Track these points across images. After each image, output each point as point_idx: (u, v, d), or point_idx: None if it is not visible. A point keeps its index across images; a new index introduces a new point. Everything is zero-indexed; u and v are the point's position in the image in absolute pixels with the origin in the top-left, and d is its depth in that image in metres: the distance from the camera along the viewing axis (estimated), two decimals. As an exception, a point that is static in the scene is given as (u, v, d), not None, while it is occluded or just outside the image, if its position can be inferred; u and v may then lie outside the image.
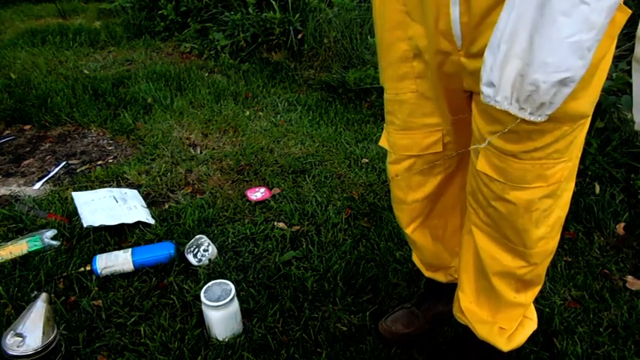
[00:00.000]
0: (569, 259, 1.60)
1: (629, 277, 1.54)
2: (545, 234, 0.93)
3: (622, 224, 1.76)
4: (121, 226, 1.68)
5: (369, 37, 3.07)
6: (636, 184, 1.90)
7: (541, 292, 1.47)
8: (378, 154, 2.23)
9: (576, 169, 0.92)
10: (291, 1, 3.32)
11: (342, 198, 1.92)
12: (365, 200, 1.91)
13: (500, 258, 0.98)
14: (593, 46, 0.60)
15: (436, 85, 0.93)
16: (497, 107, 0.68)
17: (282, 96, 2.89)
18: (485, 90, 0.69)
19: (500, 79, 0.66)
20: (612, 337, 1.33)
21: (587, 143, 1.97)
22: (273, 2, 3.32)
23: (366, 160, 2.19)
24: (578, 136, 0.83)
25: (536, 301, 1.20)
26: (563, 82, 0.62)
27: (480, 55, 0.74)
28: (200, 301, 1.28)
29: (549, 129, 0.79)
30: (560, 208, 0.92)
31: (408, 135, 1.01)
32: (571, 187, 0.92)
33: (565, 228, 1.73)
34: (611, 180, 1.95)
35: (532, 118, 0.67)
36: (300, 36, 3.27)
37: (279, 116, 2.63)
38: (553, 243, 0.97)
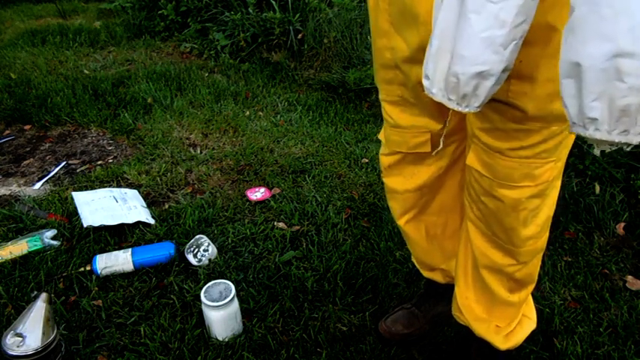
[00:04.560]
0: (569, 259, 1.60)
1: (629, 277, 1.54)
2: (535, 234, 0.93)
3: (622, 224, 1.76)
4: (121, 226, 1.68)
5: (369, 37, 3.06)
6: (636, 184, 1.90)
7: (541, 292, 1.47)
8: (378, 153, 2.22)
9: (563, 168, 0.92)
10: (291, 1, 3.32)
11: (342, 198, 1.92)
12: (365, 200, 1.91)
13: (491, 255, 0.99)
14: (509, 43, 0.63)
15: (421, 93, 0.94)
16: (434, 99, 0.71)
17: (282, 96, 2.89)
18: (424, 82, 0.72)
19: (434, 72, 0.70)
20: (612, 337, 1.33)
21: (588, 144, 1.97)
22: (273, 2, 3.32)
23: (366, 160, 2.19)
24: (569, 136, 0.83)
25: (536, 301, 1.21)
26: (481, 75, 0.65)
27: None
28: (200, 301, 1.28)
29: (536, 128, 0.79)
30: (549, 208, 0.93)
31: (399, 132, 1.03)
32: (558, 185, 0.93)
33: (565, 228, 1.73)
34: (611, 180, 1.95)
35: (459, 109, 0.70)
36: (300, 36, 3.27)
37: (279, 116, 2.63)
38: (542, 241, 0.97)
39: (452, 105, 0.70)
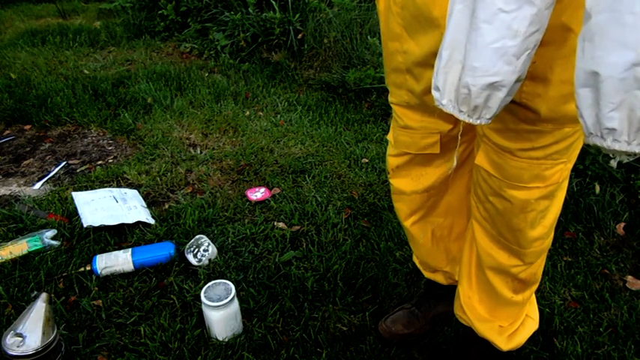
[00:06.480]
0: (569, 259, 1.60)
1: (629, 277, 1.54)
2: (542, 235, 0.93)
3: (622, 224, 1.76)
4: (121, 226, 1.68)
5: (369, 37, 3.07)
6: (636, 184, 1.90)
7: (541, 292, 1.47)
8: (378, 154, 2.22)
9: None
10: (291, 1, 3.32)
11: (342, 198, 1.92)
12: (365, 200, 1.91)
13: (496, 255, 0.99)
14: (521, 54, 0.62)
15: (426, 101, 0.94)
16: (444, 110, 0.70)
17: (282, 96, 2.89)
18: (434, 93, 0.72)
19: (444, 83, 0.69)
20: (612, 337, 1.33)
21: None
22: (273, 2, 3.32)
23: (366, 160, 2.19)
24: (580, 137, 0.83)
25: (536, 301, 1.21)
26: (493, 86, 0.64)
27: None
28: (200, 301, 1.28)
29: (549, 130, 0.79)
30: (557, 208, 0.92)
31: (409, 133, 1.03)
32: (566, 185, 0.93)
33: (565, 228, 1.73)
34: (611, 180, 1.95)
35: (471, 121, 0.69)
36: (300, 36, 3.27)
37: (279, 116, 2.63)
38: (548, 241, 0.97)
39: (463, 117, 0.69)
